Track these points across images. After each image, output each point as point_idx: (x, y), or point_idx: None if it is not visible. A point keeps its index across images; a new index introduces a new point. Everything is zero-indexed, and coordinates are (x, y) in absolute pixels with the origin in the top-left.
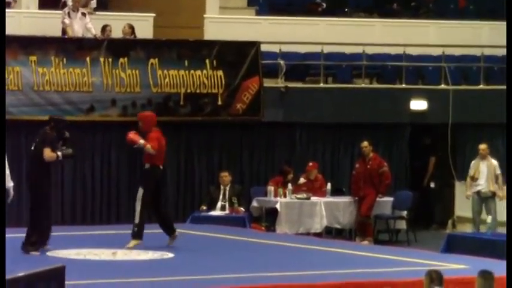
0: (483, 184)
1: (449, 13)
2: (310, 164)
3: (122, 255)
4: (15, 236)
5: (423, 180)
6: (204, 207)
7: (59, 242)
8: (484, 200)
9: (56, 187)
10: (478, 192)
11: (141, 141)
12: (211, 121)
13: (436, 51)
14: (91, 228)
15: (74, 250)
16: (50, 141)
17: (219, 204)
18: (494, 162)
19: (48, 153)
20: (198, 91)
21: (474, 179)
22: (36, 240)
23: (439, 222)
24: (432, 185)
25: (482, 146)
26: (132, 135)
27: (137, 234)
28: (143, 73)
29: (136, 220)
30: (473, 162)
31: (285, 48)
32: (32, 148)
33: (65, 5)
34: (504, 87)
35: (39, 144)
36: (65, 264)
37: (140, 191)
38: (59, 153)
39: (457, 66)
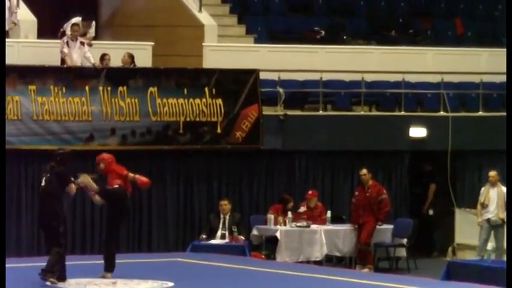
0: (493, 211)
1: (447, 40)
2: (310, 192)
3: (122, 284)
4: (16, 266)
5: (423, 208)
6: (204, 236)
7: None
8: (493, 227)
9: None
10: (488, 220)
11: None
12: (211, 149)
13: (435, 78)
14: (91, 257)
15: (74, 280)
16: (70, 177)
17: (219, 232)
18: (504, 189)
19: (72, 188)
20: (197, 119)
21: (484, 205)
22: (57, 271)
23: (440, 250)
24: (430, 212)
25: (492, 173)
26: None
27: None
28: (142, 102)
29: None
30: (483, 188)
31: (284, 76)
32: (43, 185)
33: (63, 34)
34: (503, 113)
35: (52, 180)
36: None
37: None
38: (77, 181)
39: (455, 93)
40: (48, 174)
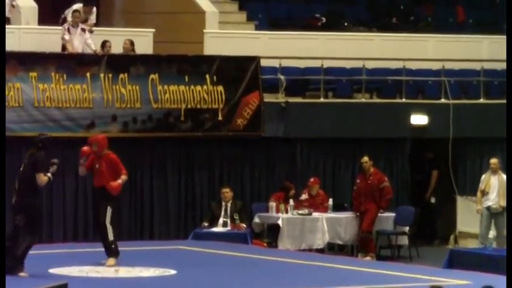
0: (494, 199)
1: (448, 27)
2: (312, 179)
3: (125, 272)
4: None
5: (425, 195)
6: (206, 224)
7: (61, 260)
8: (493, 215)
9: (58, 204)
10: (488, 207)
11: (119, 181)
12: (212, 137)
13: (436, 66)
14: (93, 245)
15: (76, 267)
16: (40, 164)
17: (221, 220)
18: (505, 177)
19: (41, 179)
20: (198, 106)
21: (485, 193)
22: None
23: (441, 238)
24: (432, 200)
25: (493, 160)
26: (116, 184)
27: (115, 252)
28: (143, 89)
29: (111, 237)
30: (483, 176)
31: (285, 63)
32: (21, 169)
33: (64, 20)
34: (504, 101)
35: (29, 167)
36: (68, 282)
37: (109, 210)
38: (49, 175)
39: (457, 80)
40: (26, 160)
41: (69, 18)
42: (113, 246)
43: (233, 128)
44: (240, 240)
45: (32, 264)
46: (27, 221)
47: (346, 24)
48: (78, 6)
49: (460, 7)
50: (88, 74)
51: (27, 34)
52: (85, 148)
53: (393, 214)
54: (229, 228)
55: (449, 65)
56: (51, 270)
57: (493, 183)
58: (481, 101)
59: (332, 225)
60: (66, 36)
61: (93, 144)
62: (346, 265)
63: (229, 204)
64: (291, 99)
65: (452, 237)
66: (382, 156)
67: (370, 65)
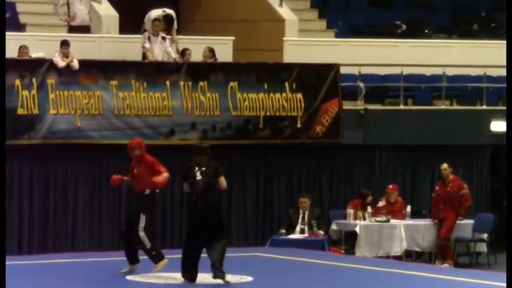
0: None
1: None
2: (391, 186)
3: (201, 278)
4: (98, 260)
5: (504, 202)
6: (283, 231)
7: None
8: None
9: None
10: None
11: (163, 176)
12: (291, 144)
13: None
14: (170, 252)
15: (153, 274)
16: (222, 169)
17: (298, 227)
18: None
19: (225, 183)
20: (277, 114)
21: None
22: None
23: None
24: None
25: None
26: (161, 180)
27: (158, 256)
28: (223, 96)
29: (148, 245)
30: None
31: (365, 70)
32: (202, 178)
33: (145, 29)
34: None
35: (213, 174)
36: None
37: (143, 219)
38: None
39: None
40: (204, 168)
41: (149, 27)
42: (153, 252)
43: (312, 136)
44: (317, 247)
45: (111, 269)
46: (221, 226)
47: (426, 31)
48: (156, 13)
49: None
50: (168, 82)
51: (108, 43)
52: (115, 177)
53: (472, 221)
54: (306, 235)
55: None
56: (128, 277)
57: None
58: None
59: (410, 232)
60: (147, 45)
61: (136, 149)
62: (424, 272)
63: (306, 212)
64: (370, 107)
65: None
66: (461, 163)
67: (450, 72)
